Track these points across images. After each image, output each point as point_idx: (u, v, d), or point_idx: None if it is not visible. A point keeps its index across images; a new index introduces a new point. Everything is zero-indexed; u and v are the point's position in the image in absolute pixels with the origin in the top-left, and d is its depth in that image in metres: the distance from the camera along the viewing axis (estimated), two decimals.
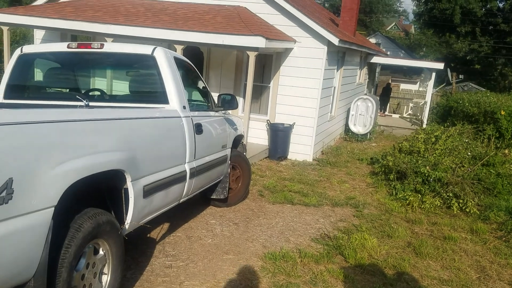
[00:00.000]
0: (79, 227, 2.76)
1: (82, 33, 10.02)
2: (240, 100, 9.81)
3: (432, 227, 5.99)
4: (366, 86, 16.95)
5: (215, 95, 5.42)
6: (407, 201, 6.77)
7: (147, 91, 4.54)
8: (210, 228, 5.29)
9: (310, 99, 9.52)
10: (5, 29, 9.42)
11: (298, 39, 9.42)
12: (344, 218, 6.10)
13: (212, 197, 5.67)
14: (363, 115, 12.82)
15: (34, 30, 10.99)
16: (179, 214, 5.52)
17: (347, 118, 13.34)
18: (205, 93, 5.26)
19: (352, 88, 13.92)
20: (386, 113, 19.08)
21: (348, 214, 6.32)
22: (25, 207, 2.30)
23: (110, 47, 4.41)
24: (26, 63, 4.54)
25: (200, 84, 5.25)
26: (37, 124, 2.47)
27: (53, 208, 2.48)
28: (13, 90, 4.49)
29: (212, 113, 5.13)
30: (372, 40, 31.19)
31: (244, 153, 6.54)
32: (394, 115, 19.12)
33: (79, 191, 2.74)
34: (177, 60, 4.49)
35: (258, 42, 7.77)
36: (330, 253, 4.75)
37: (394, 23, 56.31)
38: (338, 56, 10.97)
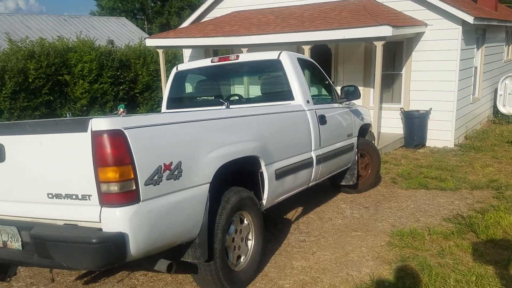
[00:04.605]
0: (228, 200, 3.54)
1: (222, 47, 11.36)
2: (370, 91, 9.97)
3: None
4: None
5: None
6: None
7: (276, 91, 5.22)
8: (341, 211, 5.74)
9: (447, 82, 9.21)
10: (160, 51, 11.20)
11: (429, 22, 9.22)
12: (482, 200, 5.94)
13: (342, 183, 6.10)
14: None
15: (183, 49, 12.73)
16: (312, 200, 6.10)
17: (495, 99, 12.34)
18: (328, 87, 5.74)
19: (499, 67, 12.82)
20: None
21: (487, 196, 6.12)
22: (190, 182, 3.12)
23: (244, 57, 5.23)
24: (181, 79, 5.62)
25: (324, 80, 5.74)
26: (196, 122, 3.35)
27: (208, 184, 3.28)
28: (173, 101, 5.59)
29: (335, 105, 5.58)
30: None
31: (373, 141, 6.80)
32: None
33: (227, 173, 3.50)
34: (301, 61, 5.08)
35: (384, 31, 7.90)
36: (461, 230, 4.79)
37: None
38: (477, 34, 10.32)
